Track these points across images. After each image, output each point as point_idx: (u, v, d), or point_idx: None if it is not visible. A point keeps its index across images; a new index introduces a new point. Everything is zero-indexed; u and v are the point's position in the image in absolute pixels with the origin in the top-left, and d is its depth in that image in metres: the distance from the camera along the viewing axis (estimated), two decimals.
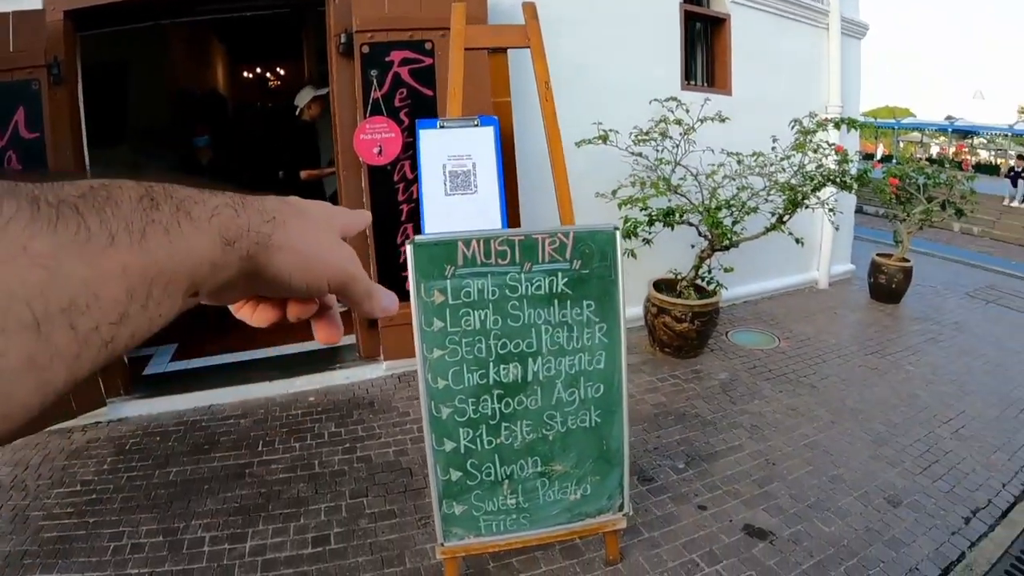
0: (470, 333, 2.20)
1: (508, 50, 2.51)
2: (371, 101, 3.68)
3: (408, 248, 2.13)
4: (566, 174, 2.32)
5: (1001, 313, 5.90)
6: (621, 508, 2.47)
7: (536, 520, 2.40)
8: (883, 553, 2.65)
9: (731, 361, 4.58)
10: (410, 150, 3.79)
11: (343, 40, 3.83)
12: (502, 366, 2.24)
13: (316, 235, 0.42)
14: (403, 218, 3.92)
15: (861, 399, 4.00)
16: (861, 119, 4.08)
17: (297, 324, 0.48)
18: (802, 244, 4.13)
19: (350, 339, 4.61)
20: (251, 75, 9.12)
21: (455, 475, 2.29)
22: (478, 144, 2.31)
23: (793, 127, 4.19)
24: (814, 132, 4.10)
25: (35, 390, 0.25)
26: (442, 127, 2.24)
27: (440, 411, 2.23)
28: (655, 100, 4.02)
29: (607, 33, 4.59)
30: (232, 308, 0.46)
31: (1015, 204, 13.29)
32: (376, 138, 3.64)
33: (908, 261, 5.65)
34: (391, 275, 3.92)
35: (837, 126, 4.05)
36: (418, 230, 3.98)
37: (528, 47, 2.40)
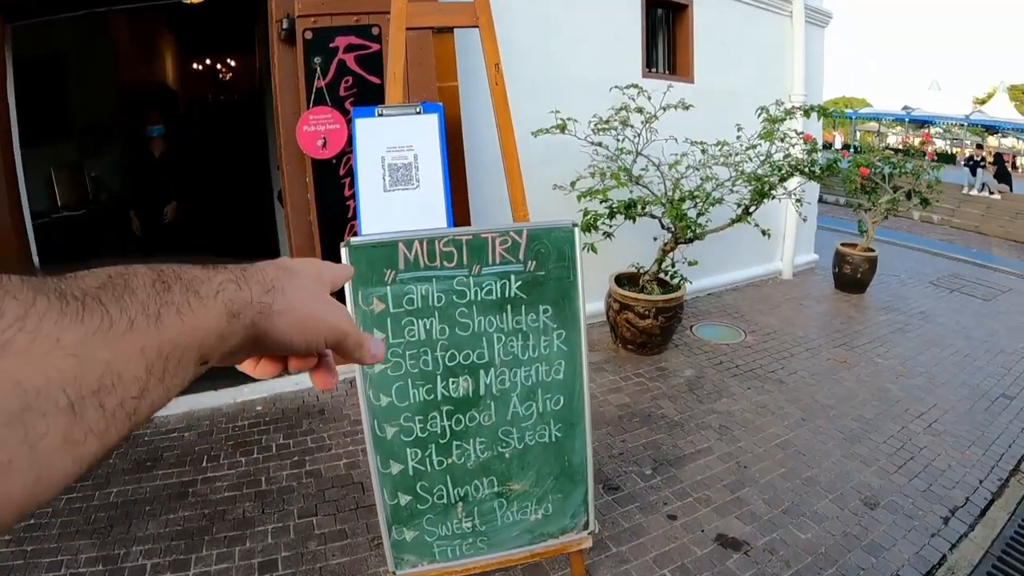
0: (414, 344, 1.99)
1: (455, 30, 2.30)
2: (315, 90, 3.44)
3: (343, 251, 1.91)
4: (519, 165, 2.12)
5: (965, 301, 5.90)
6: (586, 527, 2.30)
7: (495, 543, 2.21)
8: (863, 559, 2.53)
9: (697, 357, 4.45)
10: None
11: (285, 26, 3.57)
12: (451, 380, 2.04)
13: (311, 296, 0.46)
14: (350, 215, 3.68)
15: (831, 394, 3.90)
16: (830, 108, 3.94)
17: None
18: (768, 236, 4.01)
19: None
20: (201, 67, 8.71)
21: (404, 499, 2.08)
22: (421, 133, 2.10)
23: (760, 115, 4.05)
24: (781, 120, 3.96)
25: (72, 463, 0.29)
26: (381, 115, 2.02)
27: (384, 431, 2.02)
28: (616, 87, 3.83)
29: (565, 18, 4.39)
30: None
31: (974, 192, 13.51)
32: (320, 130, 3.40)
33: (873, 251, 5.60)
34: None
35: (807, 114, 3.92)
36: None
37: (477, 26, 2.19)
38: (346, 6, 3.50)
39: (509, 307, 2.06)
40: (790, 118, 4.05)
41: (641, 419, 3.63)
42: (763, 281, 6.04)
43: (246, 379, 3.99)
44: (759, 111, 4.06)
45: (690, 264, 4.23)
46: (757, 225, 3.99)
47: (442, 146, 2.11)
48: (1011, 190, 13.61)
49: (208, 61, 8.65)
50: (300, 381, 4.07)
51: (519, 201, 2.17)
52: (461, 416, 2.08)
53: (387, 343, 1.97)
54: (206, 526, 2.78)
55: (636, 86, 3.76)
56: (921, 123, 21.25)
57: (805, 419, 3.61)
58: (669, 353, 4.49)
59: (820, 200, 8.38)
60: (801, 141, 3.99)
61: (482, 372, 2.07)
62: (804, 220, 4.72)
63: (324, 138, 3.40)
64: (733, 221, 4.10)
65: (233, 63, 8.76)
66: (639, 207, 3.82)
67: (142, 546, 2.65)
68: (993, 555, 2.62)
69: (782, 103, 4.00)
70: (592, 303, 4.70)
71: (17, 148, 3.59)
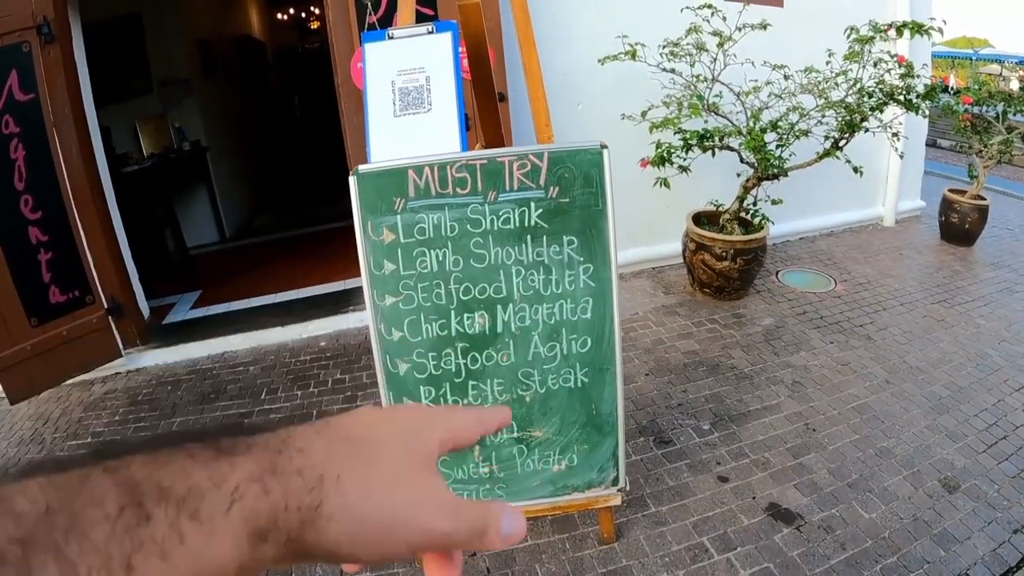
0: (427, 276, 1.87)
1: None
2: (367, 26, 3.33)
3: (351, 179, 1.80)
4: (542, 82, 1.91)
5: None
6: (615, 483, 2.13)
7: (513, 492, 2.10)
8: (930, 551, 2.19)
9: (778, 305, 4.07)
10: None
11: None
12: (466, 315, 1.91)
13: (390, 482, 0.30)
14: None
15: (923, 356, 3.43)
16: (930, 23, 3.33)
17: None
18: (861, 173, 3.51)
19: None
20: (286, 18, 8.89)
21: None
22: (433, 55, 1.92)
23: (848, 35, 3.52)
24: (872, 40, 3.40)
25: None
26: (391, 38, 1.87)
27: (397, 367, 1.93)
28: (687, 8, 3.43)
29: None
30: None
31: None
32: None
33: (984, 199, 4.86)
34: None
35: (899, 32, 3.33)
36: None
37: None
38: None
39: (529, 237, 1.88)
40: (883, 39, 3.47)
41: (708, 368, 3.36)
42: (861, 227, 5.43)
43: (312, 315, 4.13)
44: (847, 30, 3.52)
45: (773, 203, 3.83)
46: (848, 161, 3.51)
47: (456, 66, 1.93)
48: None
49: (292, 11, 8.82)
50: (364, 319, 4.12)
51: (543, 122, 1.96)
52: (477, 355, 1.95)
53: (398, 275, 1.86)
54: None
55: (709, 5, 3.35)
56: None
57: (890, 382, 3.20)
58: (749, 299, 4.14)
59: (934, 144, 7.42)
60: (896, 65, 3.43)
61: (499, 308, 1.92)
62: (901, 157, 4.11)
63: None
64: (820, 156, 3.63)
65: (318, 11, 8.88)
66: (716, 138, 3.46)
67: None
68: None
69: (875, 23, 3.44)
70: (670, 243, 4.42)
71: (91, 106, 3.77)
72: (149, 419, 3.28)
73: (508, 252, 1.88)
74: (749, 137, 3.50)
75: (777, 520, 2.34)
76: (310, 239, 6.00)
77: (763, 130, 3.52)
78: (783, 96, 3.58)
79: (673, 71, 3.67)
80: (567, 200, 1.87)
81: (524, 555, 2.21)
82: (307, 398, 3.37)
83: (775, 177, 3.69)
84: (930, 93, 3.47)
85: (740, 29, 3.35)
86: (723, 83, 3.66)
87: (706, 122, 3.62)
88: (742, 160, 3.78)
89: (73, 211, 3.44)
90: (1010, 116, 4.67)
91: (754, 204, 3.97)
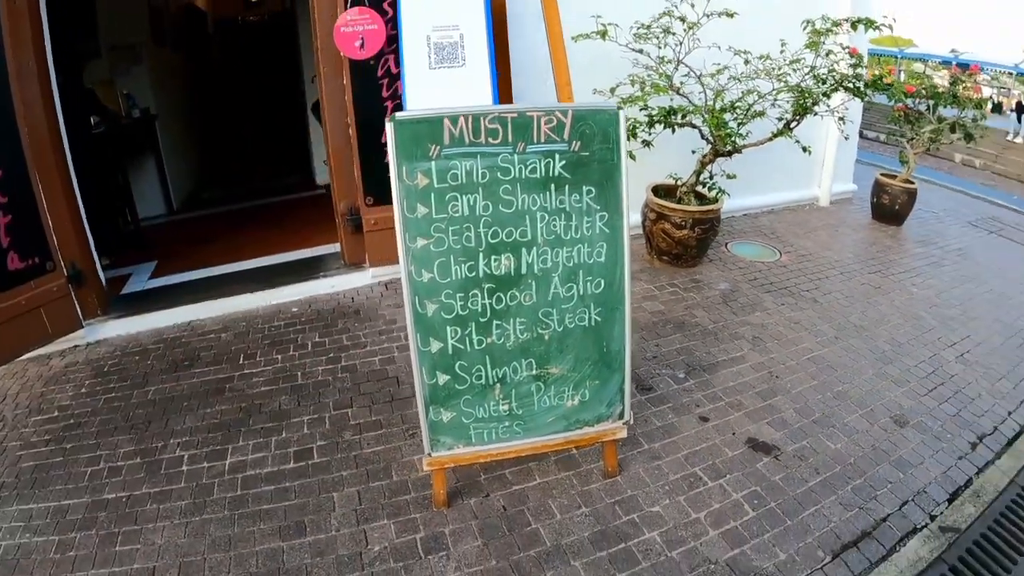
0: (457, 220, 1.98)
1: None
2: None
3: (388, 126, 1.90)
4: (564, 48, 2.06)
5: (1004, 244, 5.72)
6: (621, 416, 2.32)
7: (531, 428, 2.25)
8: (890, 473, 2.54)
9: (731, 272, 4.41)
10: (394, 43, 3.49)
11: None
12: (493, 257, 2.04)
13: None
14: (388, 116, 3.65)
15: (864, 316, 3.85)
16: (882, 20, 3.75)
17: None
18: (809, 152, 3.88)
19: (334, 246, 4.44)
20: None
21: (442, 378, 2.11)
22: (467, 13, 2.04)
23: (805, 27, 3.88)
24: (827, 33, 3.78)
25: None
26: None
27: (425, 307, 2.04)
28: None
29: None
30: None
31: (1019, 140, 12.98)
32: (358, 30, 3.31)
33: (912, 183, 5.44)
34: (377, 178, 3.68)
35: (854, 26, 3.72)
36: None
37: None
38: None
39: (553, 186, 2.03)
40: (836, 32, 3.86)
41: (675, 326, 3.63)
42: (799, 206, 5.92)
43: (281, 281, 4.10)
44: (804, 23, 3.88)
45: (728, 177, 4.14)
46: (798, 141, 3.86)
47: (488, 26, 2.05)
48: None
49: None
50: (336, 284, 4.15)
51: (564, 82, 2.12)
52: (502, 295, 2.08)
53: (431, 218, 1.96)
54: (243, 418, 2.87)
55: None
56: (966, 67, 20.34)
57: (838, 337, 3.57)
58: (704, 267, 4.46)
59: (861, 136, 8.10)
60: (847, 55, 3.82)
61: (524, 250, 2.06)
62: (847, 138, 4.54)
63: (362, 39, 3.32)
64: (774, 135, 3.97)
65: None
66: (679, 115, 3.72)
67: (179, 439, 2.73)
68: (1018, 484, 2.59)
69: (828, 17, 3.81)
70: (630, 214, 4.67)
71: (52, 70, 3.58)
72: (120, 389, 3.17)
73: (534, 199, 2.02)
74: (711, 115, 3.78)
75: (757, 451, 2.61)
76: (265, 210, 5.88)
77: (723, 110, 3.82)
78: (741, 79, 3.89)
79: (641, 51, 3.90)
80: (587, 154, 2.04)
81: (536, 492, 2.36)
82: (288, 361, 3.36)
83: (729, 154, 4.01)
84: (876, 82, 3.87)
85: (708, 16, 3.62)
86: (687, 65, 3.92)
87: (672, 100, 3.87)
88: (702, 136, 4.06)
89: (34, 171, 3.28)
90: (940, 109, 5.21)
91: (711, 178, 4.28)
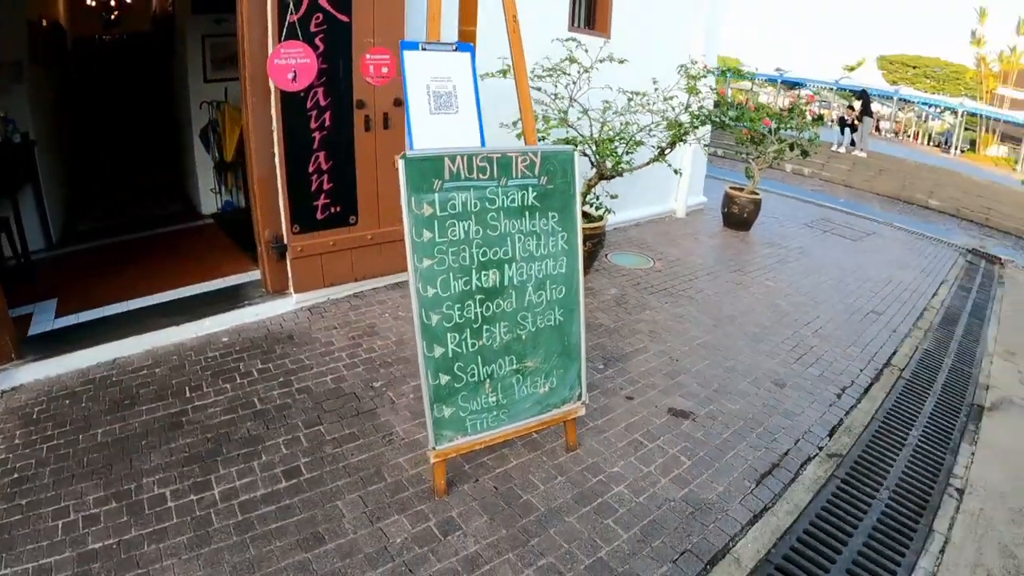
0: (456, 243, 2.37)
1: None
2: (287, 25, 3.54)
3: (400, 162, 2.23)
4: (530, 100, 2.55)
5: (836, 241, 7.11)
6: (580, 397, 2.83)
7: (513, 414, 2.67)
8: (781, 422, 3.31)
9: (617, 279, 5.14)
10: (323, 77, 3.76)
11: None
12: (483, 272, 2.45)
13: None
14: (315, 146, 3.87)
15: (734, 308, 4.74)
16: (744, 70, 4.75)
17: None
18: (680, 174, 4.74)
19: (252, 275, 4.47)
20: (94, 3, 8.00)
21: (444, 379, 2.47)
22: (457, 68, 2.43)
23: (680, 72, 4.75)
24: (700, 78, 4.69)
25: None
26: (424, 49, 2.34)
27: (430, 318, 2.39)
28: (556, 40, 4.32)
29: None
30: None
31: (841, 150, 15.11)
32: (291, 63, 3.53)
33: (757, 194, 6.61)
34: (302, 203, 3.90)
35: (724, 75, 4.68)
36: (331, 159, 4.00)
37: None
38: None
39: (527, 213, 2.50)
40: (705, 76, 4.78)
41: (585, 326, 4.23)
42: (660, 219, 6.90)
43: (204, 312, 4.08)
44: (679, 68, 4.75)
45: (612, 197, 4.87)
46: (670, 165, 4.70)
47: (474, 80, 2.47)
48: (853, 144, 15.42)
49: None
50: (260, 312, 4.18)
51: (530, 129, 2.60)
52: (490, 303, 2.50)
53: (434, 242, 2.34)
54: (214, 448, 2.83)
55: (575, 39, 4.28)
56: (792, 85, 23.10)
57: (716, 326, 4.40)
58: (593, 276, 5.14)
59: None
60: (715, 95, 4.74)
61: (506, 266, 2.50)
62: (709, 160, 5.52)
63: (295, 71, 3.54)
64: (651, 160, 4.77)
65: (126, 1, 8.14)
66: (575, 144, 4.36)
67: (152, 476, 2.63)
68: (879, 419, 3.50)
69: (695, 62, 4.72)
70: None
71: None
72: (61, 436, 2.92)
73: (513, 224, 2.48)
74: (600, 145, 4.47)
75: (678, 417, 3.26)
76: (158, 240, 5.65)
77: (610, 140, 4.53)
78: (623, 113, 4.63)
79: (539, 89, 4.50)
80: (552, 186, 2.54)
81: (516, 471, 2.77)
82: (238, 389, 3.33)
83: (611, 177, 4.74)
84: (740, 117, 4.84)
85: (601, 61, 4.32)
86: (578, 102, 4.59)
87: (567, 132, 4.51)
88: (591, 163, 4.75)
89: None
90: (782, 131, 6.35)
91: (597, 198, 4.98)
